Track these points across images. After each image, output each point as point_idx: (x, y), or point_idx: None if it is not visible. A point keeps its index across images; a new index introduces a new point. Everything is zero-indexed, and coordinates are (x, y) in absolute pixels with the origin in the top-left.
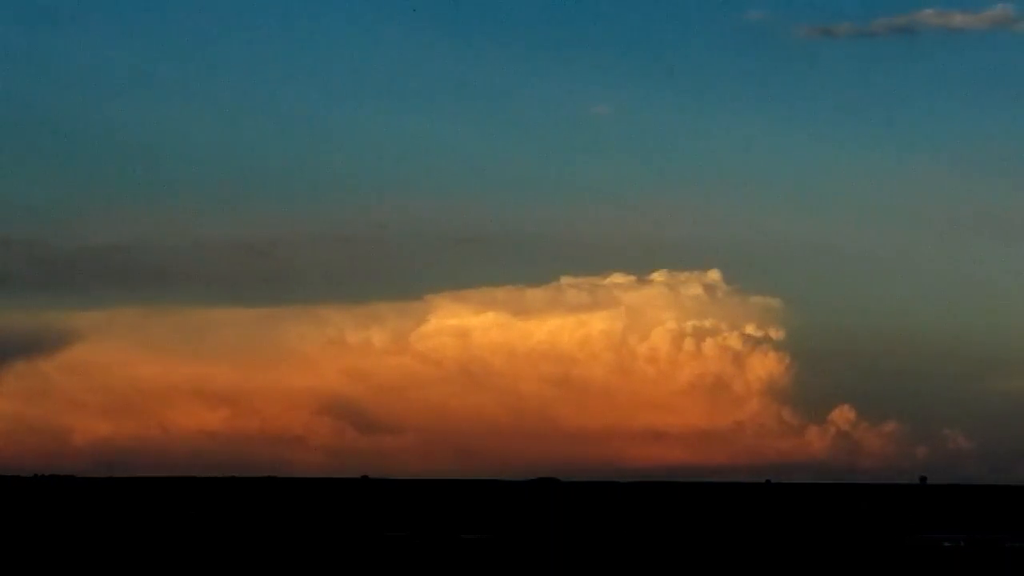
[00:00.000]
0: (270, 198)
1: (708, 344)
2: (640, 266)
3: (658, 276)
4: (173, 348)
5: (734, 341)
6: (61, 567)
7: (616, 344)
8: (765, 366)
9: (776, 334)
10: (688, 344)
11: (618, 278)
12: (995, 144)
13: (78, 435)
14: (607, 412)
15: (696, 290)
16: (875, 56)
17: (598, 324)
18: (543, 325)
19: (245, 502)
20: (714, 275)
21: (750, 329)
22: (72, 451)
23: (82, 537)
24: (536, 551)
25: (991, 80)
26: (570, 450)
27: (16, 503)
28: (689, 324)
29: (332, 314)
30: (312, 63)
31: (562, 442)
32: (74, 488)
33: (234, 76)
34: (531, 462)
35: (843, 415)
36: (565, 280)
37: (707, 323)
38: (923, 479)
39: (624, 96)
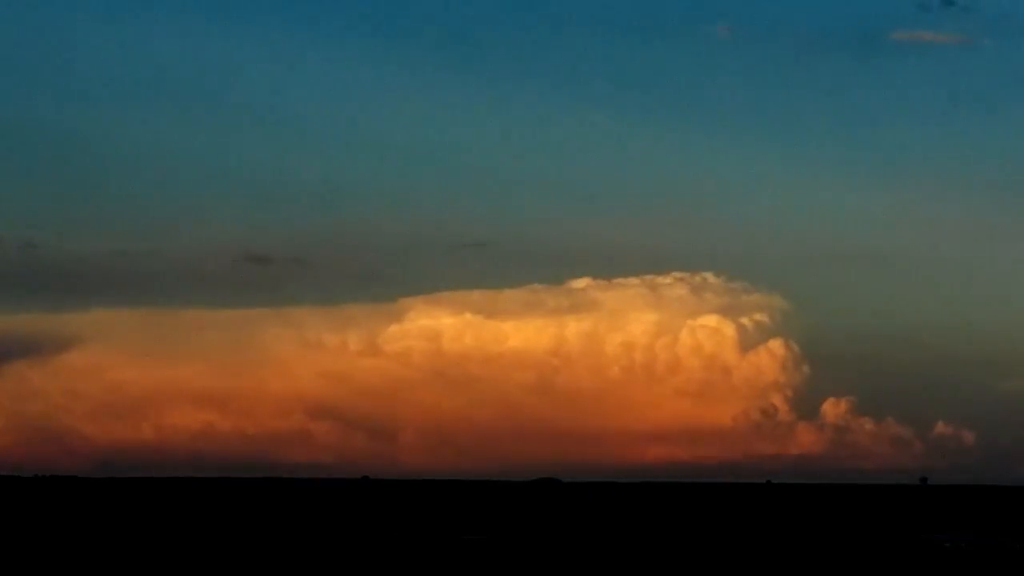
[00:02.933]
0: (256, 206)
1: (708, 345)
2: (617, 269)
3: (637, 279)
4: (165, 351)
5: (734, 341)
6: (62, 567)
7: (608, 346)
8: (762, 366)
9: (774, 334)
10: (688, 345)
11: (598, 281)
12: (990, 150)
13: (74, 436)
14: (605, 413)
15: (696, 291)
16: (873, 65)
17: (588, 326)
18: (529, 328)
19: (245, 502)
20: (711, 276)
21: (749, 328)
22: (68, 452)
23: (83, 537)
24: (536, 551)
25: (969, 92)
26: (570, 451)
27: (16, 503)
28: (687, 325)
29: (325, 317)
30: (300, 77)
31: (561, 443)
32: (75, 488)
33: (221, 88)
34: (531, 463)
35: (844, 415)
36: (539, 285)
37: (705, 323)
38: (924, 479)
39: (608, 108)
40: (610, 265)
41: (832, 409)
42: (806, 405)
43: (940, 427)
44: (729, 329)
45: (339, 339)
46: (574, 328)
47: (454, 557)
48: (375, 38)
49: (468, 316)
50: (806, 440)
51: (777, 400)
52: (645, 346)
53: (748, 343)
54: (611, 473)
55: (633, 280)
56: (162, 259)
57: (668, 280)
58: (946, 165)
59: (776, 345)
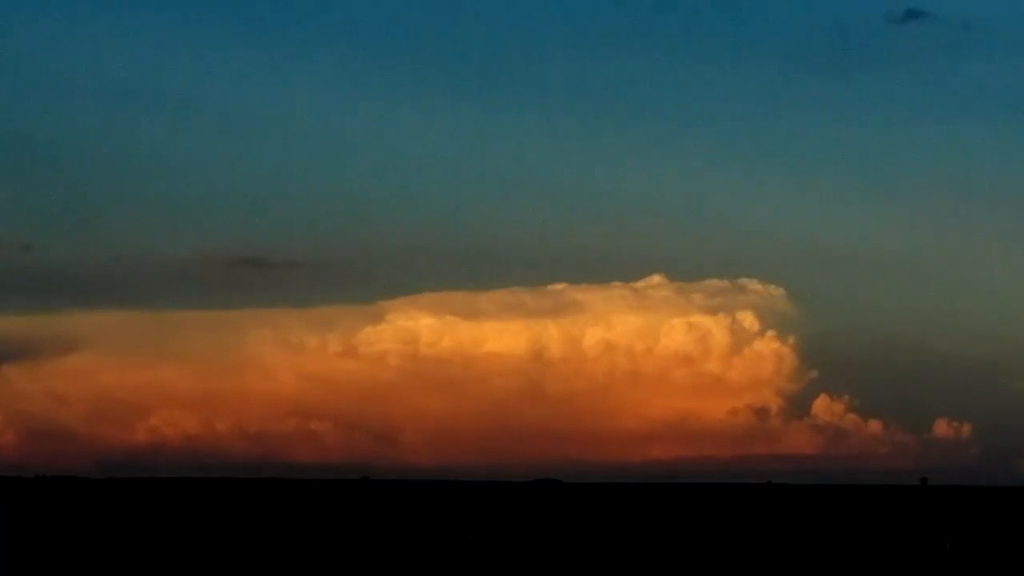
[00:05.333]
0: (247, 211)
1: (706, 345)
2: (600, 273)
3: (620, 283)
4: (160, 352)
5: (732, 341)
6: (62, 568)
7: (610, 346)
8: (761, 366)
9: (773, 335)
10: (687, 345)
11: (582, 284)
12: (987, 154)
13: (70, 437)
14: (601, 414)
15: (699, 292)
16: (857, 74)
17: (580, 327)
18: (508, 330)
19: (244, 502)
20: (716, 279)
21: (747, 328)
22: (65, 453)
23: (83, 537)
24: (536, 551)
25: (954, 98)
26: (566, 451)
27: (17, 503)
28: (684, 325)
29: (321, 319)
30: (292, 85)
31: (557, 444)
32: (75, 488)
33: (216, 95)
34: (531, 463)
35: (844, 416)
36: (518, 288)
37: (702, 323)
38: (924, 480)
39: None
40: (613, 266)
41: (832, 409)
42: (806, 405)
43: (940, 427)
44: (725, 330)
45: (336, 340)
46: (565, 330)
47: (456, 556)
48: (367, 50)
49: (448, 318)
50: (805, 440)
51: (778, 401)
52: (640, 347)
53: (746, 344)
54: (610, 473)
55: (616, 283)
56: (157, 262)
57: (656, 281)
58: (945, 167)
59: (776, 346)
